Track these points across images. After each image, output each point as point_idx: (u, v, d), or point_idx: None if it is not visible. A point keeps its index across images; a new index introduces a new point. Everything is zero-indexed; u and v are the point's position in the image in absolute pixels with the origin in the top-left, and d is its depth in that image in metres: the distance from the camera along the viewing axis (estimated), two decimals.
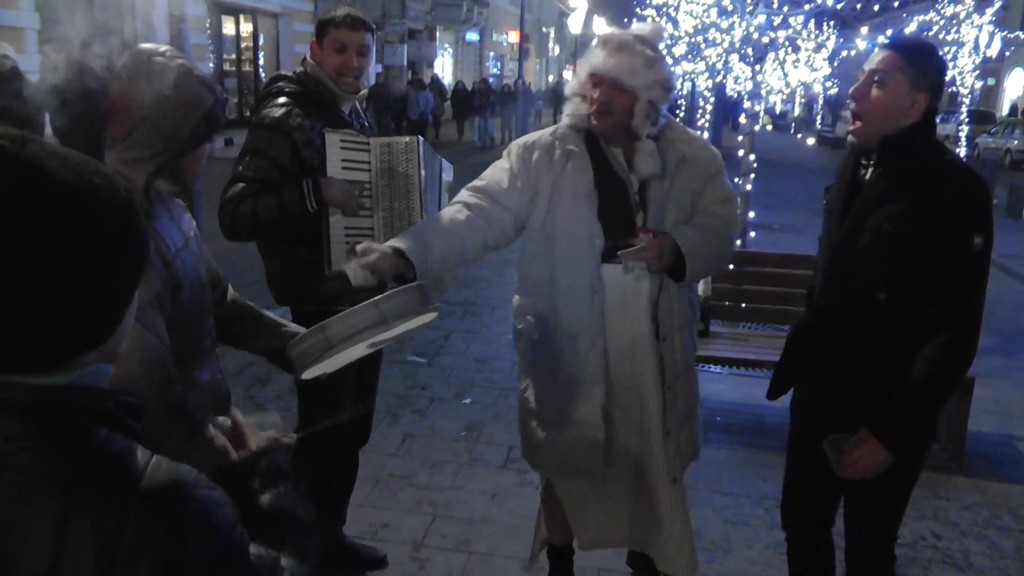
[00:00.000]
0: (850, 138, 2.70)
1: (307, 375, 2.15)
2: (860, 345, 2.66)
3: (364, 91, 3.39)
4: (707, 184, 2.96)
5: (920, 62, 2.51)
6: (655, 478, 3.06)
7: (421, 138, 3.25)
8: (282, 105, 3.17)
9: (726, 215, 2.97)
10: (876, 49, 2.71)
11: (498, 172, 2.99)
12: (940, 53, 2.62)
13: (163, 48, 2.03)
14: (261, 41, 22.47)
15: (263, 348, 2.34)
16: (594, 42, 2.95)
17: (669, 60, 18.82)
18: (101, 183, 1.06)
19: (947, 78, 2.60)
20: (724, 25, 8.09)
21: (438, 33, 35.09)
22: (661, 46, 2.98)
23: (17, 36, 12.50)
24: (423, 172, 3.20)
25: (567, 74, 64.94)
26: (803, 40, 8.05)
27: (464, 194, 2.97)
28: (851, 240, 2.64)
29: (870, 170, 2.66)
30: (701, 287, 5.42)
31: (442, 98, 28.23)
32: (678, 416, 3.02)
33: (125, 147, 1.98)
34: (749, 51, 7.44)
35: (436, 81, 27.62)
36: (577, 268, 2.88)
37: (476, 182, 3.00)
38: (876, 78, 2.54)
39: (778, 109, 49.86)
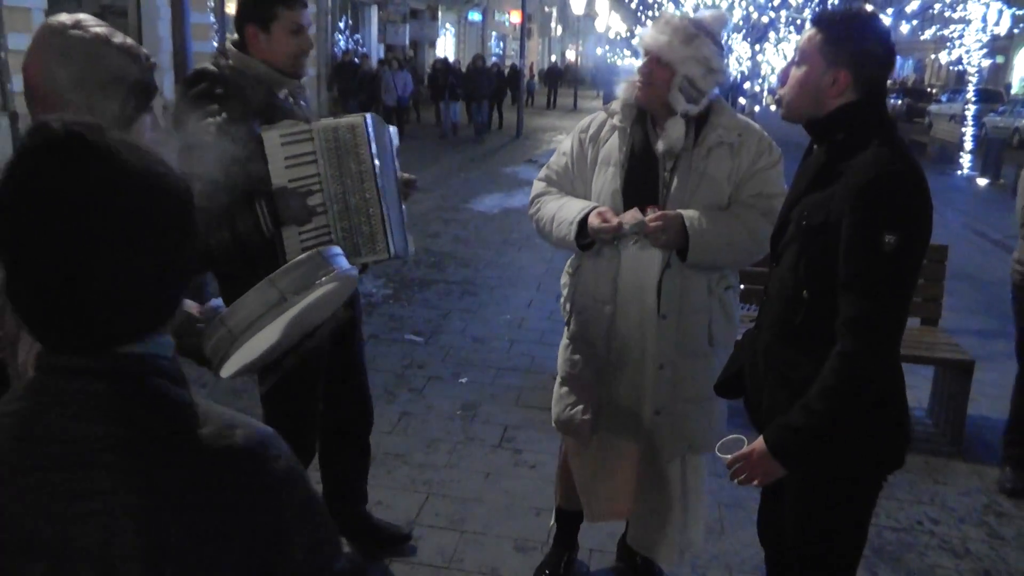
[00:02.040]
0: (782, 112, 2.52)
1: (226, 372, 1.95)
2: (787, 346, 2.43)
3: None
4: (751, 176, 2.96)
5: (838, 35, 2.28)
6: (639, 456, 3.18)
7: (369, 116, 2.95)
8: (213, 115, 2.79)
9: (764, 210, 2.91)
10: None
11: (561, 158, 3.21)
12: (872, 24, 2.33)
13: (79, 18, 1.86)
14: None
15: (185, 349, 1.98)
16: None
17: None
18: (166, 171, 1.12)
19: (886, 49, 2.29)
20: (723, 5, 8.02)
21: (440, 13, 34.89)
22: (722, 32, 3.05)
23: (24, 16, 12.44)
24: (375, 156, 2.93)
25: (569, 54, 64.76)
26: (805, 16, 7.96)
27: (539, 186, 3.24)
28: (781, 231, 2.49)
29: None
30: None
31: (416, 79, 24.77)
32: (675, 399, 3.05)
33: None
34: (745, 29, 7.36)
35: (444, 63, 24.52)
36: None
37: (545, 170, 3.25)
38: (796, 58, 2.39)
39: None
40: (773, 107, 44.02)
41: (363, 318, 3.60)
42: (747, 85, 6.95)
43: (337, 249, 2.15)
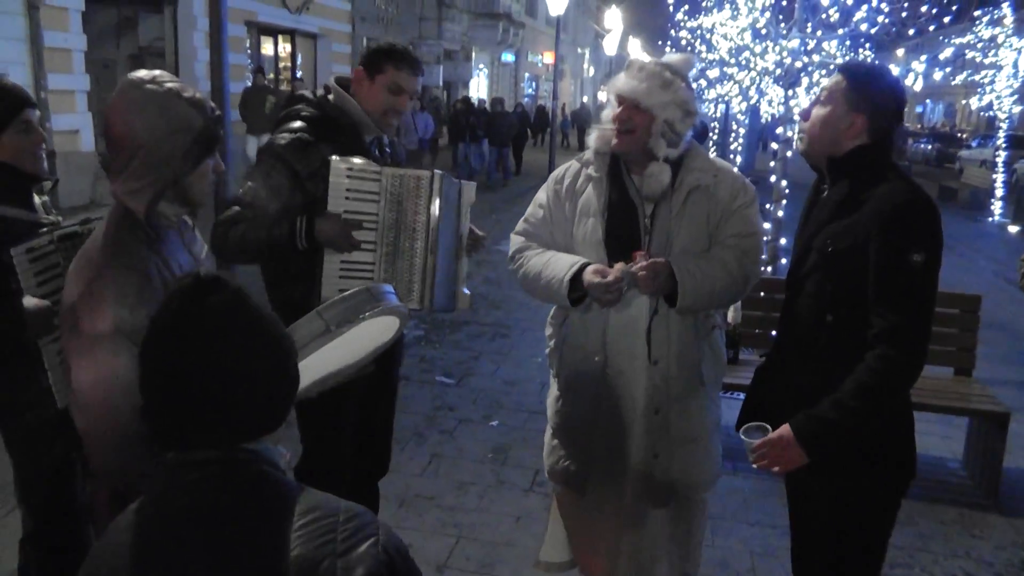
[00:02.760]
0: (799, 146, 2.77)
1: None
2: (812, 371, 2.60)
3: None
4: (730, 216, 2.98)
5: (861, 84, 2.56)
6: (632, 502, 3.14)
7: (439, 172, 3.15)
8: (293, 131, 3.11)
9: (744, 249, 2.95)
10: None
11: (537, 209, 3.20)
12: (891, 78, 2.64)
13: (155, 74, 2.08)
14: (299, 61, 22.71)
15: None
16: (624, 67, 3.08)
17: (703, 83, 18.95)
18: (273, 319, 1.48)
19: (899, 101, 2.67)
20: (757, 49, 8.08)
21: (474, 54, 35.29)
22: (691, 73, 3.07)
23: (65, 58, 12.74)
24: (436, 211, 3.10)
25: (601, 95, 65.11)
26: (837, 63, 7.99)
27: (518, 240, 3.22)
28: (800, 262, 2.69)
29: (825, 193, 2.71)
30: (731, 315, 5.38)
31: (439, 120, 23.62)
32: (672, 441, 3.05)
33: (125, 178, 2.05)
34: (779, 72, 7.41)
35: (466, 103, 23.05)
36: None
37: (522, 225, 3.23)
38: (821, 98, 2.64)
39: None
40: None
41: None
42: (779, 130, 7.00)
43: (389, 287, 2.25)
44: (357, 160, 3.07)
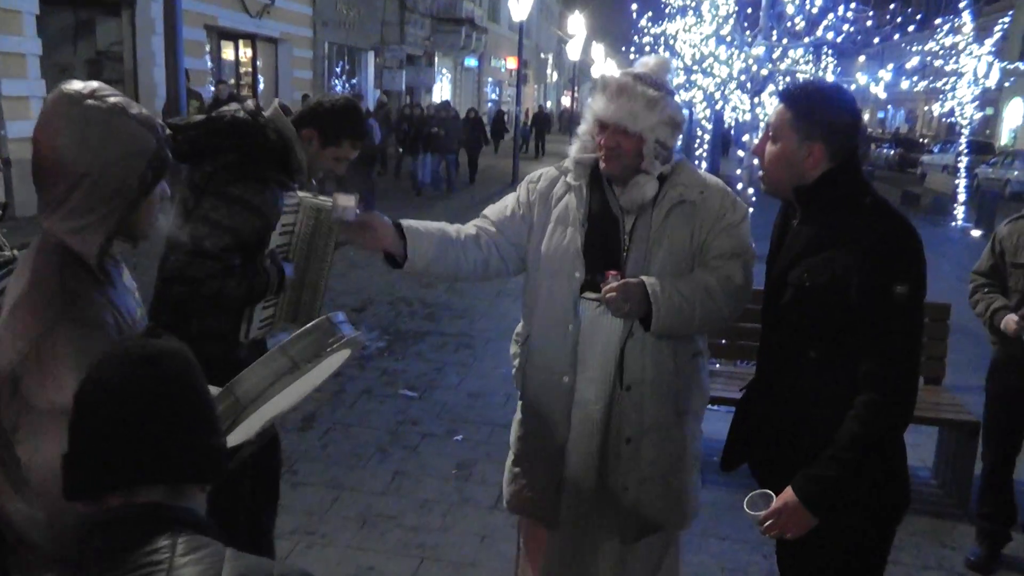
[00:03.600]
0: (762, 187, 2.63)
1: (228, 443, 1.87)
2: (797, 409, 2.47)
3: None
4: (716, 235, 2.80)
5: (807, 111, 2.41)
6: (602, 536, 2.98)
7: (343, 196, 3.00)
8: (260, 179, 2.98)
9: (729, 273, 2.77)
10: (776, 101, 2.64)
11: (508, 201, 3.06)
12: (838, 95, 2.48)
13: (93, 86, 1.77)
14: (260, 66, 22.46)
15: None
16: (595, 87, 2.88)
17: None
18: (197, 373, 1.48)
19: (854, 119, 2.48)
20: (723, 56, 8.04)
21: (436, 59, 35.18)
22: (669, 77, 2.92)
23: (19, 62, 12.47)
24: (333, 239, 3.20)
25: (564, 100, 65.33)
26: (801, 72, 7.98)
27: (477, 219, 3.06)
28: (775, 296, 2.55)
29: (795, 221, 2.56)
30: None
31: (388, 128, 21.25)
32: (644, 474, 2.86)
33: (65, 214, 1.73)
34: (743, 80, 7.38)
35: (411, 109, 21.50)
36: (555, 298, 2.87)
37: (488, 209, 3.09)
38: (770, 133, 2.50)
39: None
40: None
41: (356, 372, 3.60)
42: (746, 137, 6.96)
43: (342, 315, 2.14)
44: (290, 195, 3.11)
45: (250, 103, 3.30)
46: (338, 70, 26.79)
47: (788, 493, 2.37)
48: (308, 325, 1.98)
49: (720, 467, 2.79)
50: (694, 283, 2.73)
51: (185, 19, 15.08)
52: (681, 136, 2.89)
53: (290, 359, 1.86)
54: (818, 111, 2.40)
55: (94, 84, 1.79)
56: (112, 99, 1.76)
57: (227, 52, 21.05)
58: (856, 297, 2.29)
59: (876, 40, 7.45)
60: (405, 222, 2.87)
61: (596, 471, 2.88)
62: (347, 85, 27.15)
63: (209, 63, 19.13)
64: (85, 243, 1.75)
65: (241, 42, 21.56)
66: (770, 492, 2.43)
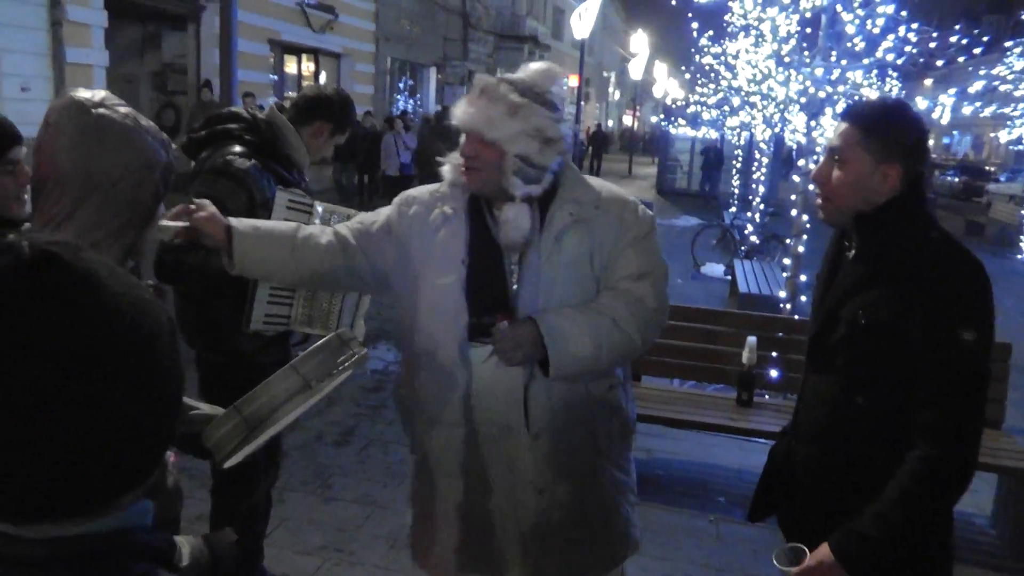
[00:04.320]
0: (819, 215, 2.38)
1: (231, 463, 1.81)
2: (837, 459, 2.26)
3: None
4: (619, 253, 2.49)
5: (881, 131, 2.18)
6: None
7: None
8: (247, 155, 3.11)
9: (639, 295, 2.46)
10: (837, 122, 2.36)
11: (378, 217, 2.68)
12: (909, 112, 2.25)
13: (100, 95, 1.68)
14: (322, 80, 22.74)
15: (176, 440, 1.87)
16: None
17: (726, 108, 18.65)
18: (148, 298, 0.94)
19: (926, 136, 2.23)
20: (780, 77, 7.86)
21: (498, 75, 35.30)
22: (555, 89, 2.46)
23: (86, 73, 12.76)
24: None
25: (626, 119, 65.18)
26: (863, 93, 7.77)
27: (345, 224, 2.70)
28: (825, 332, 2.31)
29: (851, 251, 2.33)
30: (745, 355, 5.13)
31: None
32: (563, 525, 2.55)
33: (74, 230, 1.61)
34: (803, 101, 7.20)
35: (439, 117, 19.67)
36: (437, 345, 2.47)
37: (355, 220, 2.73)
38: (836, 156, 2.25)
39: None
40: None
41: (377, 392, 3.57)
42: (801, 162, 6.72)
43: (350, 332, 2.06)
44: (296, 192, 3.11)
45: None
46: (400, 85, 27.01)
47: (824, 550, 2.15)
48: (319, 343, 1.91)
49: (747, 517, 2.62)
50: (599, 315, 2.41)
51: (249, 34, 15.43)
52: (562, 155, 2.45)
53: (301, 377, 1.79)
54: (892, 130, 2.19)
55: (102, 93, 1.71)
56: (122, 109, 1.68)
57: (290, 66, 21.34)
58: (917, 341, 2.07)
59: (940, 63, 7.19)
60: (238, 221, 2.51)
61: (507, 524, 2.58)
62: (409, 100, 27.35)
63: (272, 77, 19.40)
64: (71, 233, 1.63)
65: (304, 56, 21.85)
66: (802, 547, 2.21)
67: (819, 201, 2.33)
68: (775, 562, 2.26)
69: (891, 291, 2.13)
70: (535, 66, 2.51)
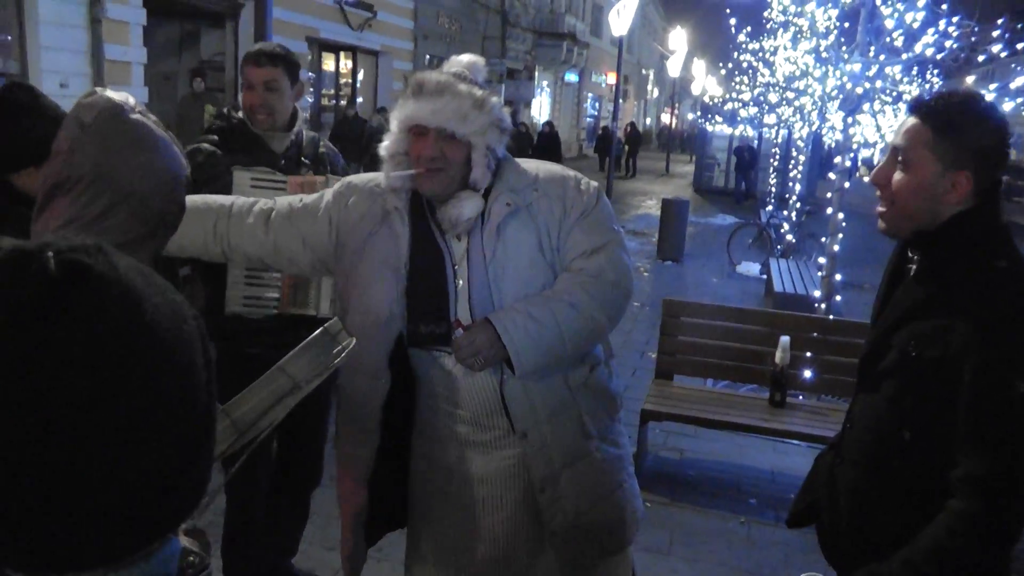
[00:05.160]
0: (879, 224, 2.11)
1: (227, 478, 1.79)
2: (878, 491, 2.10)
3: (299, 127, 3.31)
4: (568, 233, 2.41)
5: (956, 130, 1.91)
6: None
7: (334, 178, 3.07)
8: (195, 142, 3.16)
9: (593, 272, 2.38)
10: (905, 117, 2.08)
11: (317, 199, 2.59)
12: (989, 109, 1.96)
13: (130, 100, 1.61)
14: (360, 78, 22.80)
15: None
16: (404, 89, 2.40)
17: (764, 106, 18.47)
18: (180, 302, 0.83)
19: (1007, 140, 1.90)
20: (817, 74, 7.75)
21: (537, 73, 35.25)
22: (481, 79, 2.44)
23: (124, 70, 12.90)
24: None
25: (664, 117, 64.83)
26: (902, 90, 7.63)
27: (280, 201, 2.61)
28: (876, 356, 2.11)
29: (914, 266, 2.09)
30: (778, 355, 5.06)
31: None
32: (568, 514, 2.50)
33: (102, 230, 1.52)
34: (840, 97, 7.08)
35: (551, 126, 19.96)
36: (365, 348, 2.30)
37: (296, 198, 2.63)
38: (899, 157, 2.00)
39: (875, 160, 48.69)
40: (866, 178, 43.33)
41: None
42: (837, 159, 6.59)
43: (338, 324, 2.06)
44: (262, 169, 3.10)
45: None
46: None
47: None
48: (306, 340, 1.89)
49: (786, 522, 2.54)
50: (554, 302, 2.34)
51: (287, 31, 15.52)
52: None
53: (290, 378, 1.76)
54: (968, 131, 1.92)
55: (130, 97, 1.64)
56: (152, 116, 1.62)
57: (328, 64, 21.42)
58: (968, 384, 1.86)
59: (981, 58, 7.02)
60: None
61: (513, 528, 2.54)
62: None
63: (309, 74, 19.50)
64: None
65: (342, 54, 21.92)
66: None
67: (879, 208, 2.08)
68: None
69: (946, 325, 1.91)
70: (466, 58, 2.47)
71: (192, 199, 2.35)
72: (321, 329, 1.94)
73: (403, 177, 2.36)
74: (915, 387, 1.98)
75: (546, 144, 23.44)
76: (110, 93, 1.61)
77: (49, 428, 0.70)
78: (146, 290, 0.78)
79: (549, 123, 25.34)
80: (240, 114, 3.24)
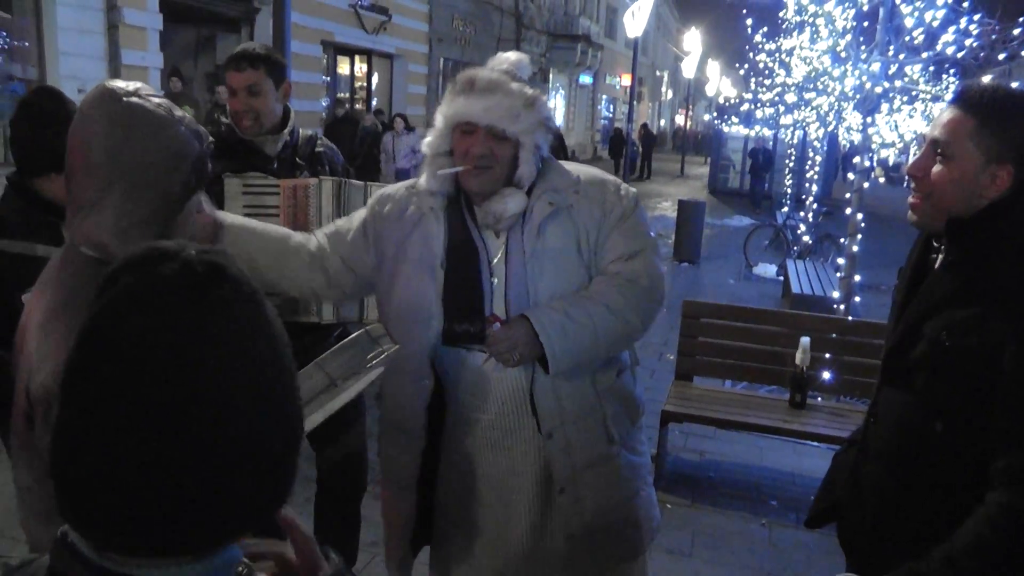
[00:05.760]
0: (910, 216, 2.08)
1: None
2: (907, 485, 2.04)
3: (291, 127, 3.24)
4: (606, 236, 2.43)
5: (999, 124, 1.88)
6: None
7: (330, 180, 3.07)
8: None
9: (630, 276, 2.41)
10: (944, 106, 2.03)
11: (352, 222, 2.62)
12: None
13: (137, 85, 1.67)
14: (375, 81, 22.86)
15: None
16: (453, 86, 2.42)
17: (780, 107, 18.40)
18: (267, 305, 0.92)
19: None
20: (836, 73, 7.71)
21: (551, 75, 35.25)
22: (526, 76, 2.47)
23: (141, 75, 12.99)
24: (324, 220, 3.01)
25: (679, 119, 64.70)
26: (921, 90, 7.59)
27: (319, 234, 2.64)
28: (904, 347, 2.05)
29: (939, 257, 2.05)
30: (799, 357, 5.04)
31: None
32: (587, 518, 2.51)
33: (100, 217, 1.61)
34: (857, 97, 7.05)
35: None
36: (407, 350, 2.36)
37: (330, 228, 2.66)
38: (939, 150, 1.95)
39: (891, 161, 48.25)
40: (882, 179, 42.91)
41: None
42: (856, 159, 6.58)
43: (380, 328, 2.02)
44: (254, 175, 3.05)
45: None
46: None
47: None
48: (346, 339, 1.90)
49: (805, 523, 2.51)
50: (591, 302, 2.36)
51: (303, 35, 15.56)
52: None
53: (327, 376, 1.78)
54: (1013, 124, 1.88)
55: (138, 84, 1.70)
56: (156, 99, 1.67)
57: (343, 67, 21.49)
58: (1009, 373, 1.82)
59: (1001, 56, 6.97)
60: (231, 216, 2.47)
61: (532, 532, 2.53)
62: None
63: (324, 78, 19.55)
64: (128, 245, 1.65)
65: (357, 57, 21.98)
66: None
67: (912, 199, 2.04)
68: None
69: (982, 313, 1.87)
70: (511, 56, 2.48)
71: (254, 228, 2.44)
72: (363, 330, 1.93)
73: (447, 176, 2.37)
74: (948, 378, 1.94)
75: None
76: (113, 82, 1.67)
77: (191, 402, 0.79)
78: (264, 296, 0.89)
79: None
80: (227, 119, 3.17)
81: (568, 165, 2.56)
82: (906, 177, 2.09)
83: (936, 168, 1.96)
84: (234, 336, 0.82)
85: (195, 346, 0.80)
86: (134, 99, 1.63)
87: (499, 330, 2.31)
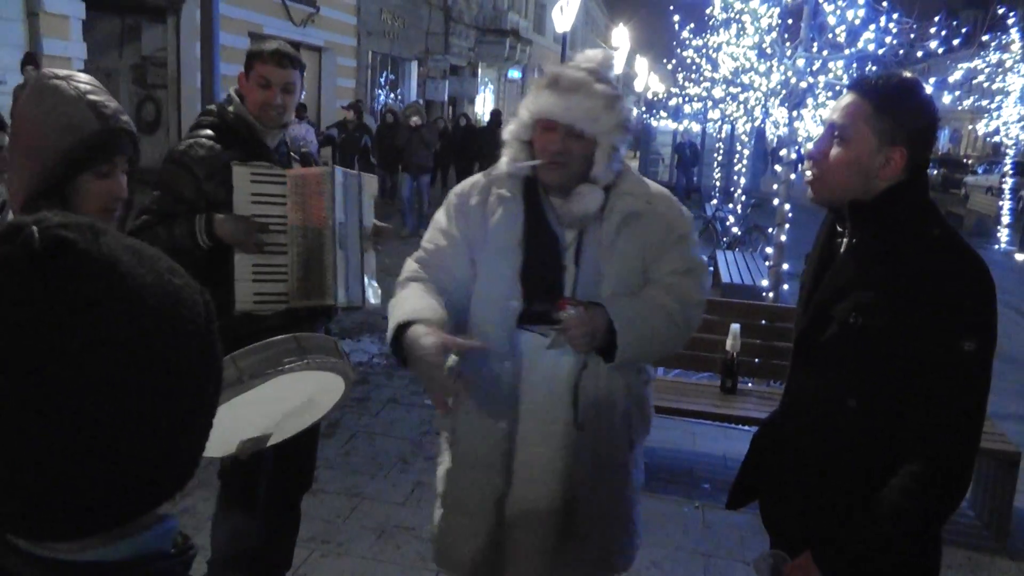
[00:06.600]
0: (808, 194, 2.17)
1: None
2: (826, 461, 2.13)
3: (291, 124, 3.30)
4: (666, 250, 2.51)
5: (892, 108, 1.98)
6: None
7: (337, 168, 3.17)
8: (191, 137, 3.14)
9: (684, 290, 2.48)
10: (843, 93, 2.15)
11: (438, 235, 2.64)
12: (923, 92, 2.04)
13: (72, 73, 1.90)
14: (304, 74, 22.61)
15: None
16: (540, 79, 2.48)
17: (708, 102, 18.72)
18: (181, 284, 0.86)
19: (937, 123, 2.03)
20: (762, 69, 7.91)
21: (480, 70, 35.23)
22: (612, 75, 2.52)
23: (65, 66, 12.62)
24: (336, 208, 3.11)
25: None
26: (844, 86, 7.83)
27: (411, 267, 2.62)
28: (815, 330, 2.14)
29: (844, 241, 2.15)
30: (729, 342, 5.18)
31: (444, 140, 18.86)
32: (594, 520, 2.57)
33: (14, 175, 1.87)
34: (784, 92, 7.25)
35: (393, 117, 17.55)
36: (488, 331, 2.47)
37: (419, 251, 2.66)
38: (836, 133, 2.06)
39: None
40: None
41: (384, 380, 3.51)
42: (783, 152, 6.79)
43: (322, 338, 2.03)
44: (260, 164, 3.08)
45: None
46: (382, 80, 26.89)
47: (807, 560, 2.05)
48: (270, 339, 1.85)
49: (726, 505, 2.57)
50: (653, 306, 2.43)
51: (229, 27, 15.32)
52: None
53: (238, 370, 1.75)
54: (904, 109, 1.99)
55: (74, 73, 1.92)
56: (80, 84, 1.86)
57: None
58: (914, 348, 1.92)
59: (920, 54, 7.26)
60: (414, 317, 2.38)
61: (540, 522, 2.55)
62: (391, 95, 27.25)
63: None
64: (14, 202, 1.90)
65: None
66: (783, 554, 2.15)
67: (809, 175, 2.15)
68: (753, 569, 2.22)
69: (888, 293, 1.97)
70: (596, 54, 2.53)
71: (432, 317, 2.36)
72: (291, 335, 1.90)
73: (524, 167, 2.46)
74: (859, 356, 2.03)
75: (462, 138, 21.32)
76: (51, 70, 1.91)
77: (24, 391, 0.74)
78: (135, 269, 0.80)
79: (464, 115, 24.64)
80: (232, 108, 3.16)
81: (643, 178, 2.66)
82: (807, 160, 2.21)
83: (834, 151, 2.06)
84: (75, 311, 0.75)
85: (30, 323, 0.74)
86: (54, 81, 1.85)
87: (580, 314, 2.33)
